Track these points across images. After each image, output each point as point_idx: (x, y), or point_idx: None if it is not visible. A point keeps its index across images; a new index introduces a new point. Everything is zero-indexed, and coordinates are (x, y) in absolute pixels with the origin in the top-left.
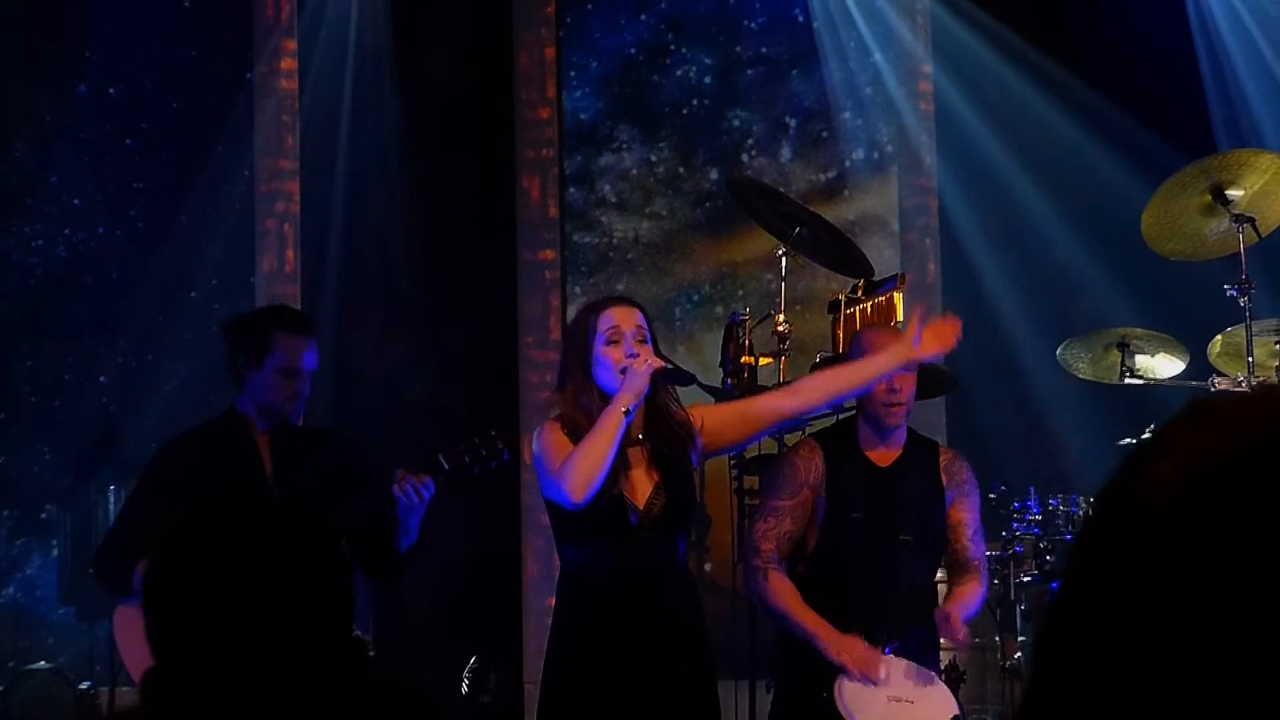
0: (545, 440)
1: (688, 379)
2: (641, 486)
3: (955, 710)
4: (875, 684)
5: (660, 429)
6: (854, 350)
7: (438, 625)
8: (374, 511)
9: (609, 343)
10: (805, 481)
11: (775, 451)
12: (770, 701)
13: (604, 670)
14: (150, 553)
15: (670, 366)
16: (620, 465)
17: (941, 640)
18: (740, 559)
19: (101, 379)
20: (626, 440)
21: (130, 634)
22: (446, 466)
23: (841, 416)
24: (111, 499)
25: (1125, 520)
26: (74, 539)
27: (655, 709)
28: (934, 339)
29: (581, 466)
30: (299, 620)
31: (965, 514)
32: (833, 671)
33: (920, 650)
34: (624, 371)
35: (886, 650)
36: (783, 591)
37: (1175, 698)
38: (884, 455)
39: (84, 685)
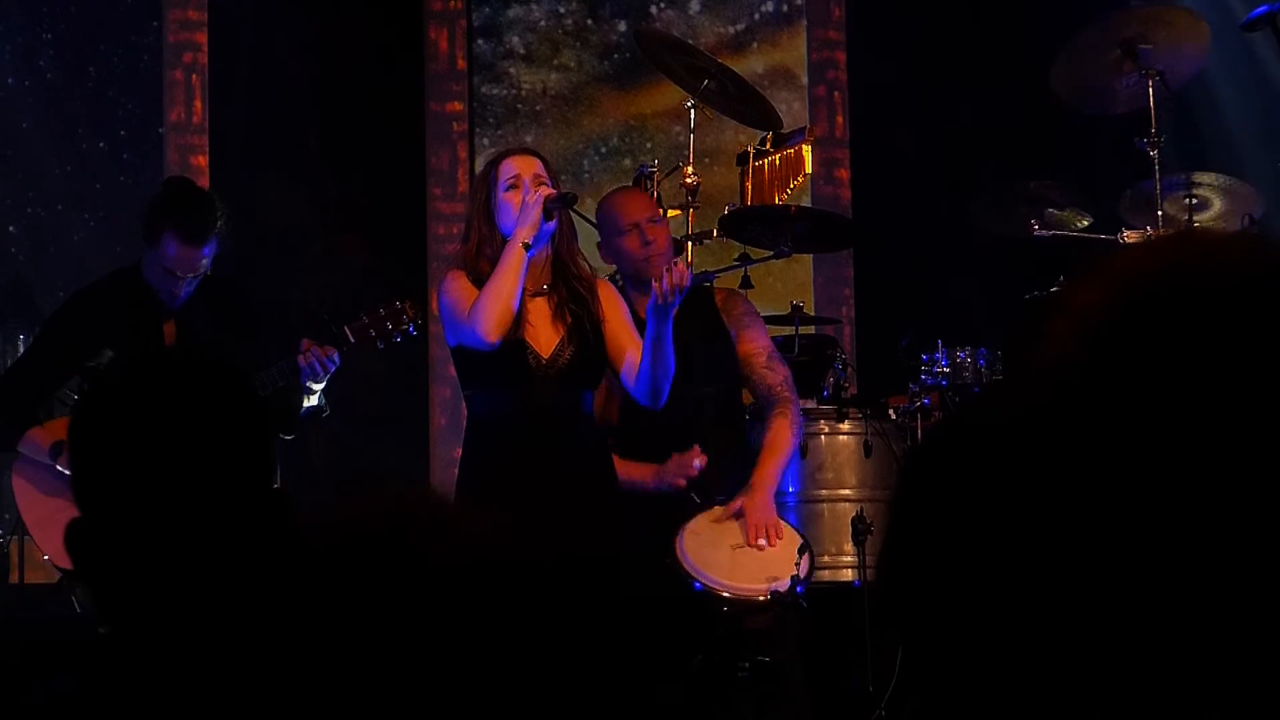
0: (451, 288)
1: (571, 198)
2: (547, 335)
3: (799, 540)
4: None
5: (566, 276)
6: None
7: (343, 477)
8: (276, 380)
9: (509, 189)
10: None
11: None
12: None
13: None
14: (42, 396)
15: (558, 191)
16: (523, 311)
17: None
18: None
19: (11, 229)
20: (532, 289)
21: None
22: (352, 339)
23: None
24: (20, 348)
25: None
26: None
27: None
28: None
29: (492, 305)
30: (224, 470)
31: (752, 344)
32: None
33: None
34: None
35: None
36: None
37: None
38: None
39: None
